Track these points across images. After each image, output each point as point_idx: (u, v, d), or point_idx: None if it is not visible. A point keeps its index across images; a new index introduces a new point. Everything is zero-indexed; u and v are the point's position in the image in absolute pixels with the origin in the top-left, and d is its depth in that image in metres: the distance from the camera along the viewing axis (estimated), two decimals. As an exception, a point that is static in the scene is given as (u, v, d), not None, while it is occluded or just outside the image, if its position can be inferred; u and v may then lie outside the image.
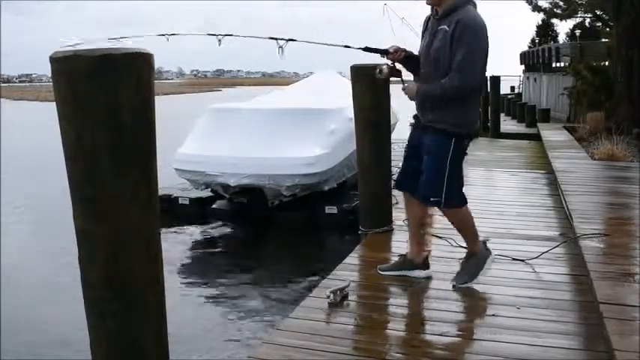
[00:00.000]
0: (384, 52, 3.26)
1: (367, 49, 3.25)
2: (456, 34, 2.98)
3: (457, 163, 3.21)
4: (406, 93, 3.26)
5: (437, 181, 3.14)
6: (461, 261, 3.48)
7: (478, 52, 3.04)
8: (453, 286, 3.32)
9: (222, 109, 9.35)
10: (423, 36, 3.29)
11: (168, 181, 8.89)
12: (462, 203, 3.27)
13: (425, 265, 3.51)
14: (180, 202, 8.86)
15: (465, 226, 3.37)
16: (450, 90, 3.05)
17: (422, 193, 3.23)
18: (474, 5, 3.11)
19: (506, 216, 5.03)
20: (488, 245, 3.43)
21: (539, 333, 2.72)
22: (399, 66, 3.30)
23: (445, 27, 3.03)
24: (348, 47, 3.30)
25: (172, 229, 8.05)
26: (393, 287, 3.41)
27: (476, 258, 3.38)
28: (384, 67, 3.27)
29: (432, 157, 3.17)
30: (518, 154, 9.53)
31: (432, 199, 3.20)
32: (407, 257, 3.53)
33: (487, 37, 3.09)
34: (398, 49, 3.24)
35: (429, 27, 3.19)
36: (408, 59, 3.29)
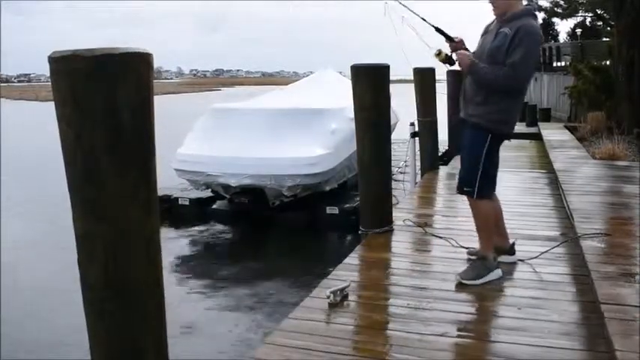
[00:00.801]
0: (449, 39, 3.44)
1: (438, 30, 3.44)
2: (517, 37, 3.15)
3: (493, 159, 3.37)
4: (459, 59, 3.36)
5: (472, 172, 3.35)
6: (471, 261, 3.56)
7: (533, 57, 3.24)
8: (459, 282, 3.35)
9: (223, 108, 9.34)
10: (482, 36, 3.46)
11: (168, 182, 8.89)
12: (491, 196, 3.48)
13: (511, 250, 3.71)
14: (180, 202, 8.85)
15: (486, 224, 3.49)
16: (502, 79, 3.19)
17: (458, 184, 3.49)
18: (535, 17, 3.30)
19: (507, 215, 4.99)
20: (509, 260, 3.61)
21: (539, 333, 2.72)
22: (455, 57, 3.43)
23: (506, 30, 3.20)
24: (424, 20, 3.48)
25: (172, 230, 8.06)
26: (393, 287, 3.41)
27: (486, 262, 3.43)
28: (444, 51, 3.44)
29: (467, 149, 3.42)
30: (519, 154, 9.52)
31: (465, 189, 3.42)
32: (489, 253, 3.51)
33: (540, 45, 3.32)
34: (462, 41, 3.42)
35: (491, 29, 3.39)
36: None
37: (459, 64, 3.36)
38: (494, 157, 3.40)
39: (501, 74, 3.17)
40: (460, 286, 3.33)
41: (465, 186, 3.41)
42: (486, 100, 3.28)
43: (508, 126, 3.39)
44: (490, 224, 3.49)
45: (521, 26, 3.14)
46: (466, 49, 3.41)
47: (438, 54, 3.45)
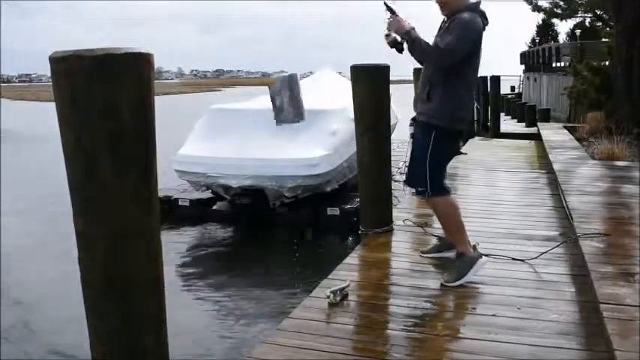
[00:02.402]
0: (393, 12, 3.39)
1: (385, 5, 3.40)
2: (450, 25, 3.26)
3: (437, 157, 3.37)
4: (396, 24, 3.34)
5: (420, 171, 3.37)
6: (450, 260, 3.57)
7: (464, 39, 3.23)
8: (441, 285, 3.35)
9: (223, 109, 9.31)
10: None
11: (168, 182, 8.88)
12: (445, 192, 3.45)
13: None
14: (180, 203, 8.83)
15: (450, 220, 3.48)
16: (430, 50, 3.28)
17: (408, 183, 3.55)
18: (475, 10, 3.32)
19: (507, 216, 5.02)
20: (485, 246, 3.51)
21: (539, 333, 2.72)
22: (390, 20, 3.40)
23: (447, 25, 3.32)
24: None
25: (172, 231, 8.05)
26: (393, 287, 3.41)
27: (466, 258, 3.42)
28: (393, 34, 3.38)
29: (416, 147, 3.47)
30: (518, 154, 9.52)
31: (419, 188, 3.44)
32: (446, 239, 3.69)
33: (477, 33, 3.28)
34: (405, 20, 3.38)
35: (440, 28, 3.44)
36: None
37: (396, 29, 3.33)
38: (443, 155, 3.44)
39: (430, 46, 3.27)
40: (460, 286, 3.34)
41: (417, 186, 3.44)
42: (430, 97, 3.33)
43: (455, 122, 3.39)
44: (454, 219, 3.47)
45: (456, 17, 3.25)
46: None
47: (387, 35, 3.39)
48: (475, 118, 12.95)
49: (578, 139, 9.71)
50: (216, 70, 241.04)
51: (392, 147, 4.72)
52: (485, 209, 5.19)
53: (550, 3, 23.23)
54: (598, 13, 21.98)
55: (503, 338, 2.71)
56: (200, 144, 8.55)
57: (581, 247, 3.64)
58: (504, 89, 23.16)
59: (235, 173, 7.93)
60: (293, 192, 7.97)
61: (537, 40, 37.78)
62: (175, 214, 8.54)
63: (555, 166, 6.84)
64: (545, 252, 3.78)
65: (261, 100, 10.43)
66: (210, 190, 8.78)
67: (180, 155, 8.50)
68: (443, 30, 3.35)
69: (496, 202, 5.57)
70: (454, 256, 3.54)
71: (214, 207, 8.82)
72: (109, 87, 1.64)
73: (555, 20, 30.24)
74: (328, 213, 8.09)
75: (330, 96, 9.29)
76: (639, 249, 3.55)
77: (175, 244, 7.46)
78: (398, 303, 3.17)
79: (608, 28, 19.06)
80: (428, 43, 3.30)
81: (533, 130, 13.67)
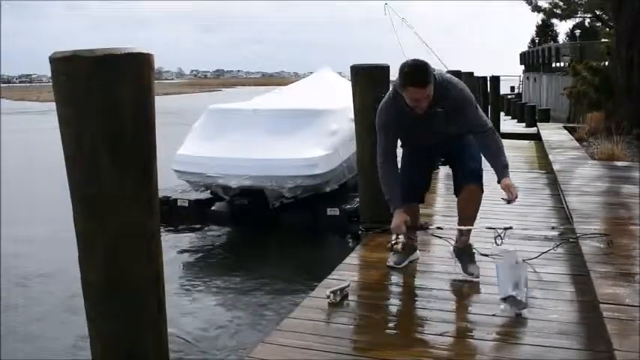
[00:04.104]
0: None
1: None
2: (453, 109, 3.23)
3: None
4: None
5: (480, 165, 3.50)
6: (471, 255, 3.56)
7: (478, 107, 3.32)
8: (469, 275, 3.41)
9: (222, 109, 9.29)
10: (403, 126, 3.39)
11: (167, 183, 8.88)
12: None
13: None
14: (179, 204, 8.83)
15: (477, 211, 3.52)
16: (500, 144, 3.38)
17: (470, 178, 3.48)
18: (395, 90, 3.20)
19: (507, 216, 5.01)
20: (485, 246, 3.62)
21: (539, 333, 2.72)
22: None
23: (439, 109, 3.22)
24: None
25: (172, 231, 8.05)
26: (393, 287, 3.41)
27: (471, 247, 3.57)
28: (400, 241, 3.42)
29: (466, 146, 3.46)
30: (518, 154, 9.52)
31: (480, 180, 3.47)
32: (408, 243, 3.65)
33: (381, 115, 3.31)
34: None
35: (415, 117, 3.28)
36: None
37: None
38: None
39: (497, 143, 3.29)
40: (460, 286, 3.34)
41: (480, 180, 3.41)
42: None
43: None
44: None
45: (449, 98, 3.13)
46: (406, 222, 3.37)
47: (395, 244, 3.43)
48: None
49: (578, 140, 9.71)
50: (216, 70, 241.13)
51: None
52: (485, 209, 5.18)
53: (549, 3, 23.22)
54: (597, 13, 21.96)
55: (503, 338, 2.71)
56: (199, 144, 8.55)
57: (581, 247, 3.64)
58: (504, 89, 23.18)
59: (235, 173, 7.92)
60: (293, 192, 7.96)
61: (537, 41, 37.78)
62: (174, 214, 8.53)
63: (555, 167, 6.84)
64: (545, 252, 3.77)
65: (260, 100, 10.43)
66: (209, 191, 8.77)
67: (179, 155, 8.49)
68: (443, 117, 3.19)
69: (496, 202, 5.56)
70: (417, 258, 3.71)
71: (213, 207, 8.81)
72: (109, 87, 1.64)
73: (555, 20, 30.25)
74: (328, 213, 8.09)
75: (330, 96, 9.29)
76: (639, 249, 3.55)
77: (174, 245, 7.45)
78: (398, 303, 3.17)
79: (607, 28, 19.07)
80: (498, 148, 3.29)
81: (533, 130, 13.68)
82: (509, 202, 3.27)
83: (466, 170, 3.40)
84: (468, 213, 3.46)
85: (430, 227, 3.55)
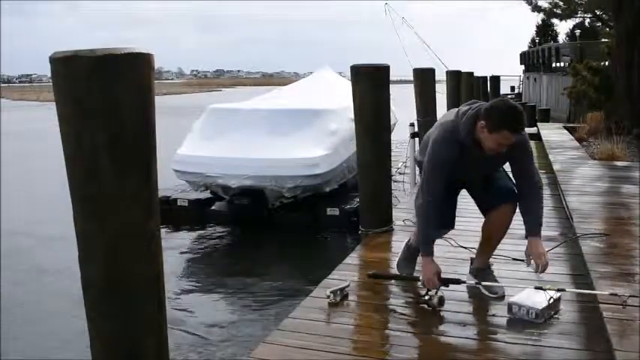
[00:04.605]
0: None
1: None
2: (515, 154, 3.01)
3: None
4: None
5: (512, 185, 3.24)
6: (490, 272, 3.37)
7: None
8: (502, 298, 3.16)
9: (221, 109, 9.28)
10: (459, 162, 3.08)
11: (167, 183, 8.88)
12: None
13: None
14: (179, 203, 8.83)
15: None
16: (542, 193, 3.10)
17: (511, 196, 3.16)
18: (453, 121, 2.96)
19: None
20: None
21: (539, 333, 2.72)
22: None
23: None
24: None
25: (171, 231, 8.04)
26: (393, 287, 3.41)
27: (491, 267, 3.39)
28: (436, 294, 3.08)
29: (499, 171, 3.25)
30: (518, 154, 9.50)
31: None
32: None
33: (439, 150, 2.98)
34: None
35: (475, 155, 3.04)
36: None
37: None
38: None
39: (540, 198, 3.05)
40: (459, 286, 3.33)
41: (515, 196, 3.12)
42: None
43: None
44: None
45: (517, 142, 2.85)
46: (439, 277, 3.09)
47: (429, 299, 3.05)
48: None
49: (578, 140, 9.71)
50: (217, 70, 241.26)
51: (392, 147, 4.72)
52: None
53: (550, 3, 23.24)
54: (598, 13, 21.97)
55: (503, 338, 2.71)
56: (199, 144, 8.54)
57: (581, 247, 3.64)
58: (504, 89, 23.20)
59: (234, 173, 7.91)
60: (293, 192, 7.96)
61: (537, 41, 37.77)
62: (174, 214, 8.53)
63: (555, 167, 6.84)
64: (546, 252, 3.77)
65: (260, 100, 10.43)
66: (209, 191, 8.77)
67: (179, 155, 8.49)
68: (502, 159, 3.02)
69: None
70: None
71: (213, 207, 8.80)
72: (110, 87, 1.64)
73: (555, 20, 30.27)
74: (328, 213, 8.09)
75: (330, 96, 9.29)
76: (639, 249, 3.55)
77: (174, 245, 7.45)
78: (398, 303, 3.17)
79: (607, 28, 19.08)
80: (538, 204, 3.03)
81: (533, 130, 13.66)
82: (535, 271, 3.04)
83: (503, 189, 3.15)
84: (498, 236, 3.25)
85: (466, 282, 3.21)
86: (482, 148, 2.88)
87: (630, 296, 2.52)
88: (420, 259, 3.36)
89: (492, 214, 3.18)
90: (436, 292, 3.03)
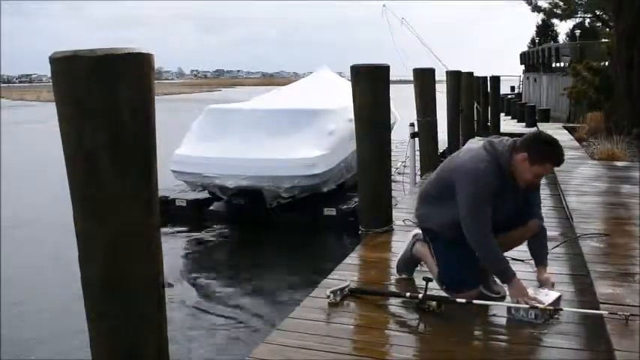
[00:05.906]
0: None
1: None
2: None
3: None
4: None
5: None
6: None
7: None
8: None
9: (219, 109, 9.28)
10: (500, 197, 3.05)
11: (165, 183, 8.88)
12: None
13: None
14: (177, 204, 8.83)
15: None
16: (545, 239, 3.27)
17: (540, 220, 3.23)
18: (488, 151, 2.97)
19: (506, 216, 5.02)
20: None
21: (539, 333, 2.72)
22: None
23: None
24: None
25: (170, 231, 8.04)
26: (393, 287, 3.41)
27: None
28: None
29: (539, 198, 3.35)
30: (518, 154, 9.50)
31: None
32: None
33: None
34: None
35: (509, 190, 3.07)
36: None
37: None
38: None
39: (546, 234, 3.23)
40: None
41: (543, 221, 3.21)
42: None
43: None
44: None
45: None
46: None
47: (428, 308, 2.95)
48: (475, 118, 12.98)
49: (578, 140, 9.72)
50: (216, 71, 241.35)
51: (391, 147, 4.71)
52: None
53: (550, 3, 23.23)
54: (598, 13, 21.97)
55: (503, 338, 2.71)
56: (197, 144, 8.54)
57: (581, 247, 3.64)
58: (504, 89, 23.18)
59: (232, 173, 7.91)
60: (290, 192, 7.96)
61: (537, 41, 37.78)
62: (172, 214, 8.53)
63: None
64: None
65: (258, 100, 10.43)
66: (207, 191, 8.77)
67: (177, 155, 8.48)
68: (525, 195, 3.09)
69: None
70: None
71: (211, 207, 8.81)
72: (110, 87, 1.64)
73: (555, 20, 30.26)
74: (325, 213, 8.08)
75: (328, 96, 9.29)
76: (639, 249, 3.55)
77: (173, 245, 7.45)
78: (398, 303, 3.17)
79: (607, 28, 19.08)
80: (545, 239, 3.19)
81: (532, 130, 13.67)
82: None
83: (533, 208, 3.19)
84: (510, 247, 3.25)
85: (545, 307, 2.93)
86: (515, 180, 2.96)
87: (631, 315, 2.51)
88: (420, 262, 3.46)
89: (518, 228, 3.15)
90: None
